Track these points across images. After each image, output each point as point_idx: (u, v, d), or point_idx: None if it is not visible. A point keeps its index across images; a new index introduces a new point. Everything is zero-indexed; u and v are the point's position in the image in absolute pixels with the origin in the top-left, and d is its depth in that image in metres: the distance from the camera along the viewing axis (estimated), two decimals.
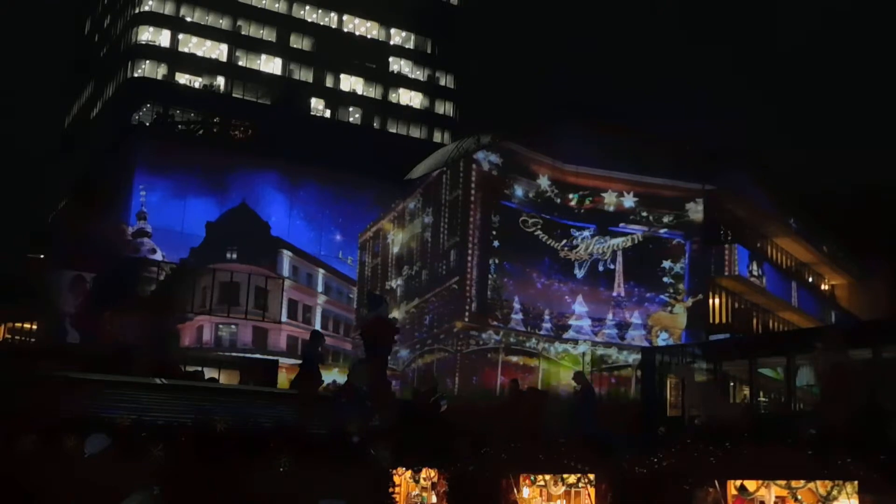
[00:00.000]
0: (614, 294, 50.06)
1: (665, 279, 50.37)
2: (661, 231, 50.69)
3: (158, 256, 54.19)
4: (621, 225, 50.60)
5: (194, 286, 50.46)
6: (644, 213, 50.58)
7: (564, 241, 49.79)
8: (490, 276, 47.16)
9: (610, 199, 50.43)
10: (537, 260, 48.64)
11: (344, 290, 63.34)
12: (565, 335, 48.74)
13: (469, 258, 46.76)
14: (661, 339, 49.17)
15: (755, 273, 50.58)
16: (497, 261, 47.46)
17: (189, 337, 50.61)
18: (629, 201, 50.56)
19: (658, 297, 50.30)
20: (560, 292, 49.30)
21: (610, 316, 49.67)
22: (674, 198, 50.52)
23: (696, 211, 50.29)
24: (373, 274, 58.15)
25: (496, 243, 47.44)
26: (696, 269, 50.12)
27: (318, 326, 56.92)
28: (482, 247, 47.08)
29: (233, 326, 53.36)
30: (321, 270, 61.93)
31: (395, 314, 50.88)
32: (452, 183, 49.66)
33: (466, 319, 46.16)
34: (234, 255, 54.86)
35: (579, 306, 49.33)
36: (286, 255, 58.72)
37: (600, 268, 50.17)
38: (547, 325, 48.40)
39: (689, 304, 50.00)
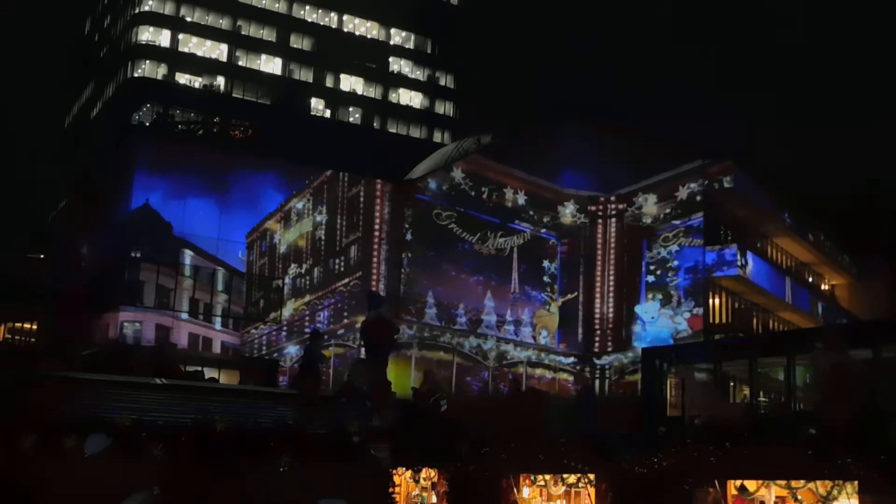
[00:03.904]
0: (511, 291, 50.67)
1: (545, 278, 51.75)
2: (542, 231, 52.00)
3: None
4: (516, 222, 51.38)
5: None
6: (531, 213, 51.57)
7: (478, 235, 49.98)
8: (403, 270, 47.08)
9: (509, 196, 51.17)
10: (451, 253, 48.82)
11: (244, 288, 64.28)
12: (479, 330, 49.10)
13: (374, 253, 46.61)
14: (543, 338, 50.94)
15: (739, 263, 50.70)
16: (410, 254, 47.43)
17: (98, 334, 51.30)
18: (522, 199, 51.44)
19: (539, 296, 51.51)
20: (474, 286, 49.65)
21: (509, 312, 50.29)
22: (551, 200, 51.89)
23: (564, 214, 51.81)
24: (260, 273, 58.69)
25: (409, 236, 47.43)
26: (566, 270, 51.72)
27: (218, 325, 57.69)
28: (392, 241, 46.96)
29: (137, 324, 54.34)
30: (221, 269, 62.72)
31: (284, 311, 51.52)
32: (351, 180, 49.87)
33: None
34: (138, 255, 55.75)
35: (489, 301, 49.97)
36: (188, 255, 59.49)
37: (502, 264, 50.74)
38: (462, 320, 48.58)
39: (559, 303, 51.64)
